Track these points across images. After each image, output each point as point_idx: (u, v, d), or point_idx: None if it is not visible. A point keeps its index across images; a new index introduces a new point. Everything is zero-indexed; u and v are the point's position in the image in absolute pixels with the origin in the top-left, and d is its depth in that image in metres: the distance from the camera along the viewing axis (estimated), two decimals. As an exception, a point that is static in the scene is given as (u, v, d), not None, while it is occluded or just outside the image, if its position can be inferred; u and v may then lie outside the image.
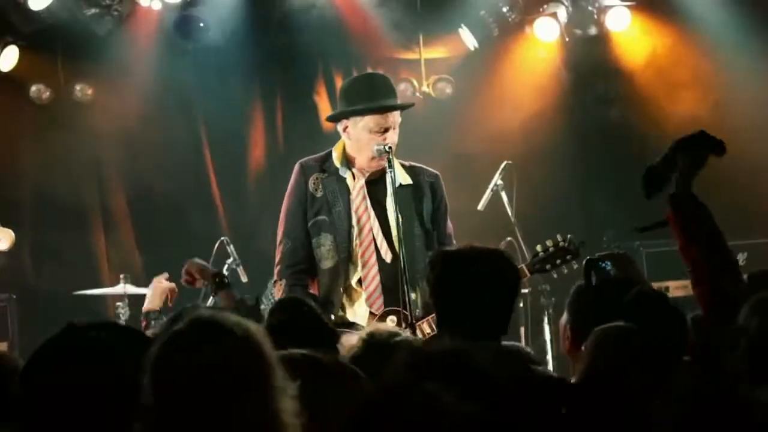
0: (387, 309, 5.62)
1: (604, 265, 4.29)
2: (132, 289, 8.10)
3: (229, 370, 2.65)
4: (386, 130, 5.68)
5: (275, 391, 2.68)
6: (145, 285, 5.64)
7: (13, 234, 6.65)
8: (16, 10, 8.82)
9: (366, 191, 5.76)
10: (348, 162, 5.80)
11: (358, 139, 5.74)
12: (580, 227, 8.10)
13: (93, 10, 8.97)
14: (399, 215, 5.58)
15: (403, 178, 5.78)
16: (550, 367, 7.82)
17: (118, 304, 8.03)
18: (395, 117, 5.75)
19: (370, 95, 5.76)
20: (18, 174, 9.46)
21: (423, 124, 9.69)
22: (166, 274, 5.47)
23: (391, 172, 5.59)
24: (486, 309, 3.78)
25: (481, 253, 3.91)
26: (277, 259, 5.82)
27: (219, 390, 2.63)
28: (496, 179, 7.74)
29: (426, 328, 5.50)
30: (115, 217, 9.76)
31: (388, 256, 5.67)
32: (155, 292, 5.33)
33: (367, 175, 5.77)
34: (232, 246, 7.81)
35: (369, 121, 5.70)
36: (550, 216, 9.06)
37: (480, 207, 7.73)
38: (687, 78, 9.59)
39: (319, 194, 5.77)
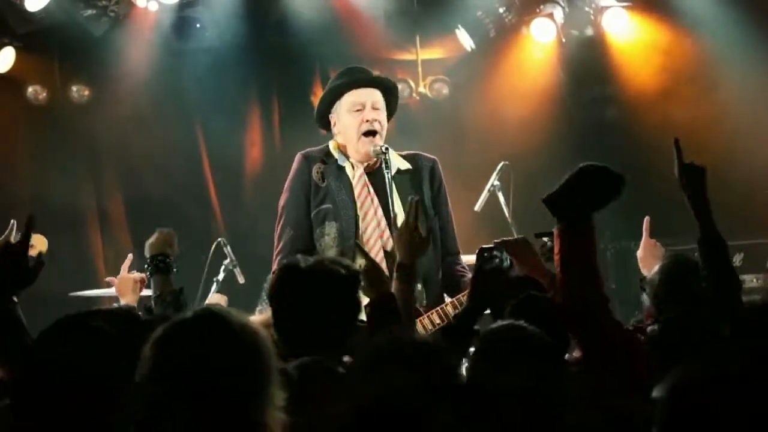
0: None
1: (491, 254, 4.32)
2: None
3: (226, 365, 2.65)
4: (364, 106, 5.69)
5: (266, 399, 2.67)
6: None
7: (46, 240, 6.64)
8: (12, 11, 8.81)
9: (366, 180, 5.73)
10: (344, 154, 5.79)
11: (344, 125, 5.76)
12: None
13: (90, 11, 8.97)
14: (399, 203, 5.56)
15: (402, 164, 5.76)
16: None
17: (114, 305, 8.01)
18: (375, 95, 5.75)
19: (345, 78, 5.81)
20: (14, 175, 9.45)
21: (419, 124, 9.70)
22: (129, 257, 5.47)
23: (387, 172, 5.57)
24: (314, 327, 3.86)
25: (321, 273, 4.00)
26: (277, 249, 5.71)
27: (212, 384, 2.62)
28: (493, 180, 7.73)
29: (435, 318, 5.34)
30: (112, 219, 9.76)
31: (389, 245, 5.59)
32: (125, 286, 5.32)
33: (364, 165, 5.76)
34: (229, 247, 7.80)
35: (347, 99, 5.74)
36: (547, 216, 9.04)
37: (477, 208, 7.71)
38: (684, 78, 9.59)
39: (322, 183, 5.72)
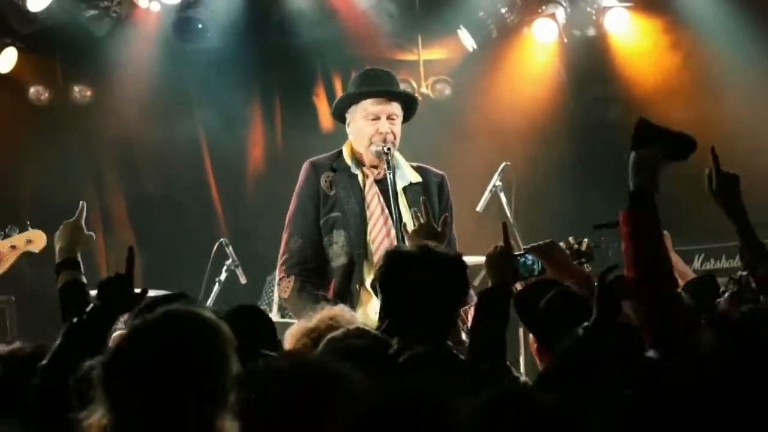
0: None
1: (524, 259, 4.34)
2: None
3: (185, 364, 2.71)
4: (380, 117, 5.68)
5: (219, 400, 2.71)
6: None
7: (45, 235, 6.59)
8: (14, 12, 8.82)
9: (377, 189, 5.72)
10: (357, 160, 5.78)
11: (358, 129, 5.74)
12: (579, 228, 8.09)
13: (92, 12, 8.97)
14: (409, 213, 5.55)
15: (413, 177, 5.77)
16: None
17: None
18: (392, 107, 5.73)
19: (368, 83, 5.80)
20: (17, 175, 9.45)
21: (421, 125, 9.68)
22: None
23: (389, 173, 5.57)
24: (426, 312, 3.89)
25: (430, 256, 4.02)
26: (283, 257, 5.70)
27: (172, 384, 2.68)
28: (495, 180, 7.74)
29: None
30: (114, 219, 9.76)
31: None
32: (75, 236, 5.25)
33: (376, 173, 5.75)
34: (231, 247, 7.81)
35: (364, 107, 5.72)
36: (549, 217, 9.07)
37: (479, 208, 7.73)
38: (685, 79, 9.59)
39: (331, 192, 5.71)
